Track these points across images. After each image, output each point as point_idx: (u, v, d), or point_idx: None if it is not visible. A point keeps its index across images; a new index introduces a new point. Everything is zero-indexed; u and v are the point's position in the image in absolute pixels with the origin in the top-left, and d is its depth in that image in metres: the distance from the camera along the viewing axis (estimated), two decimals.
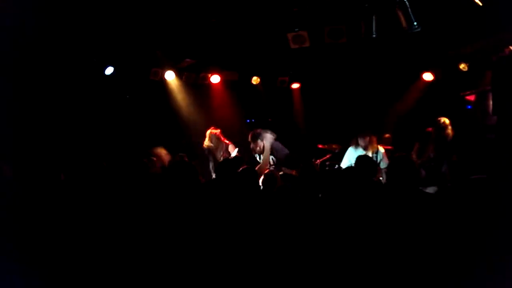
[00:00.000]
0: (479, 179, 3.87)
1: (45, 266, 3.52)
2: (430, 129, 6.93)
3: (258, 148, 7.25)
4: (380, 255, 3.36)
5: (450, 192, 4.32)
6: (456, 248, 3.28)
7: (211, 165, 7.64)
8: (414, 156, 6.76)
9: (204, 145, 7.53)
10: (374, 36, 6.28)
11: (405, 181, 3.73)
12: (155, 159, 6.24)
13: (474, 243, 3.32)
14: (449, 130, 6.74)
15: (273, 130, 7.77)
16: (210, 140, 7.48)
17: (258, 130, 7.32)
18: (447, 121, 6.79)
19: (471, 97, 8.31)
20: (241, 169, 4.87)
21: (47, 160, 5.93)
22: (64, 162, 5.87)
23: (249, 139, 7.28)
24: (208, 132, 7.55)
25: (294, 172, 6.96)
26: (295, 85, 9.86)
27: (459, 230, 3.42)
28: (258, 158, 7.54)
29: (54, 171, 4.75)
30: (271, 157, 7.42)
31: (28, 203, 3.99)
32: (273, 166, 7.41)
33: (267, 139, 7.27)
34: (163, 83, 8.89)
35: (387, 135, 8.53)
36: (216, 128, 7.59)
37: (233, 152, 7.39)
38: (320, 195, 4.47)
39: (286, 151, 7.53)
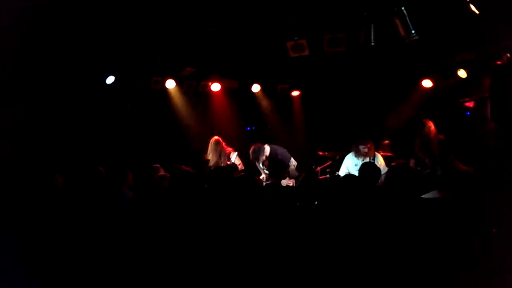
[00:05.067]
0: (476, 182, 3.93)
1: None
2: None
3: (261, 161, 7.33)
4: (380, 260, 3.39)
5: (447, 196, 4.35)
6: (454, 251, 3.32)
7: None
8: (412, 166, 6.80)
9: (206, 157, 7.54)
10: (372, 44, 6.34)
11: (404, 188, 3.77)
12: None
13: (472, 245, 3.36)
14: (432, 132, 6.81)
15: (273, 138, 7.83)
16: (213, 149, 7.50)
17: (258, 145, 7.35)
18: (430, 125, 6.86)
19: (470, 104, 8.34)
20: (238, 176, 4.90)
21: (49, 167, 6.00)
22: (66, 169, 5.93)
23: (251, 156, 7.32)
24: (210, 142, 7.58)
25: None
26: (295, 93, 9.91)
27: (458, 233, 3.46)
28: (260, 165, 7.58)
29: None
30: None
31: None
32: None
33: (267, 152, 7.33)
34: (164, 91, 8.93)
35: (386, 142, 8.57)
36: (217, 137, 7.62)
37: (233, 156, 7.43)
38: (317, 203, 4.49)
39: (289, 156, 7.58)
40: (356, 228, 3.60)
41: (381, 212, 3.73)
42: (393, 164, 7.34)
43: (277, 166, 6.01)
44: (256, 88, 9.50)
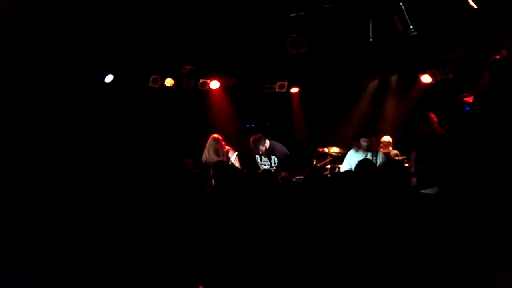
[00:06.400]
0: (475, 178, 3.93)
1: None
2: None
3: (260, 151, 7.38)
4: (378, 256, 3.40)
5: (446, 191, 4.35)
6: (451, 246, 3.32)
7: (211, 171, 7.67)
8: (412, 163, 6.80)
9: (204, 155, 7.53)
10: (371, 40, 6.32)
11: (396, 184, 3.78)
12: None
13: (471, 241, 3.36)
14: (434, 125, 6.80)
15: (272, 135, 7.84)
16: (211, 146, 7.49)
17: (259, 135, 7.42)
18: (432, 116, 6.85)
19: (469, 99, 8.33)
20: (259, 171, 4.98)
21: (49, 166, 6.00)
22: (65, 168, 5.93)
23: (251, 143, 7.37)
24: (209, 140, 7.58)
25: (290, 175, 7.03)
26: (294, 90, 9.90)
27: (455, 229, 3.46)
28: (259, 159, 7.62)
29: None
30: (273, 157, 7.51)
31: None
32: (274, 168, 7.48)
33: (266, 144, 7.39)
34: (163, 90, 8.93)
35: (386, 138, 8.57)
36: (217, 135, 7.61)
37: (233, 156, 7.42)
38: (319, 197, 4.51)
39: (286, 151, 7.59)
40: (353, 223, 3.61)
41: (377, 207, 3.75)
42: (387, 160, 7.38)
43: (289, 159, 6.01)
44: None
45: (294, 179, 7.33)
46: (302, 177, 6.90)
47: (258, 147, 7.37)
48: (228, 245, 3.72)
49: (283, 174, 6.13)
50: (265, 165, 7.62)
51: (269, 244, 3.66)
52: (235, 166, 6.84)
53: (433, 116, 6.93)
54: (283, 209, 4.08)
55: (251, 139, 7.45)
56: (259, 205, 4.16)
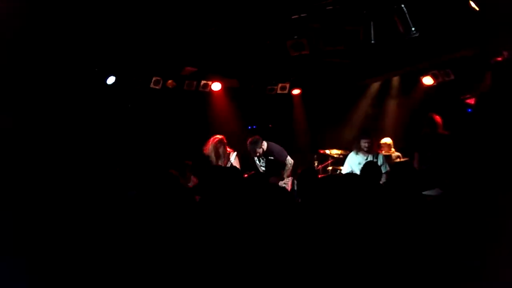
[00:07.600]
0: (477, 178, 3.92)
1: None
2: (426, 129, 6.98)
3: (257, 154, 7.39)
4: (381, 259, 3.38)
5: (450, 193, 4.34)
6: (457, 250, 3.31)
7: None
8: (415, 164, 6.79)
9: (205, 152, 7.54)
10: (372, 42, 6.33)
11: (406, 186, 3.76)
12: None
13: (474, 244, 3.35)
14: (438, 126, 6.80)
15: (274, 136, 7.84)
16: (212, 147, 7.49)
17: (257, 137, 7.42)
18: (436, 118, 6.85)
19: (471, 101, 8.32)
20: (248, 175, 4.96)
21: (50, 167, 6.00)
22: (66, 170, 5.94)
23: (248, 145, 7.37)
24: (211, 140, 7.58)
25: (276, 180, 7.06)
26: (296, 91, 9.91)
27: (461, 232, 3.45)
28: (257, 161, 7.63)
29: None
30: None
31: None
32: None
33: (264, 146, 7.40)
34: (164, 91, 8.94)
35: (387, 140, 8.56)
36: (219, 135, 7.61)
37: (232, 157, 7.43)
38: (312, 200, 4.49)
39: (285, 153, 7.59)
40: (356, 227, 3.59)
41: (383, 211, 3.73)
42: (395, 162, 7.39)
43: (273, 165, 6.02)
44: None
45: (284, 182, 7.39)
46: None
47: (255, 149, 7.40)
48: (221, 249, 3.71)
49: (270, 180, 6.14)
50: (263, 167, 7.62)
51: (263, 249, 3.65)
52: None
53: (437, 117, 6.92)
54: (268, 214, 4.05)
55: (248, 141, 7.47)
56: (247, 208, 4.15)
